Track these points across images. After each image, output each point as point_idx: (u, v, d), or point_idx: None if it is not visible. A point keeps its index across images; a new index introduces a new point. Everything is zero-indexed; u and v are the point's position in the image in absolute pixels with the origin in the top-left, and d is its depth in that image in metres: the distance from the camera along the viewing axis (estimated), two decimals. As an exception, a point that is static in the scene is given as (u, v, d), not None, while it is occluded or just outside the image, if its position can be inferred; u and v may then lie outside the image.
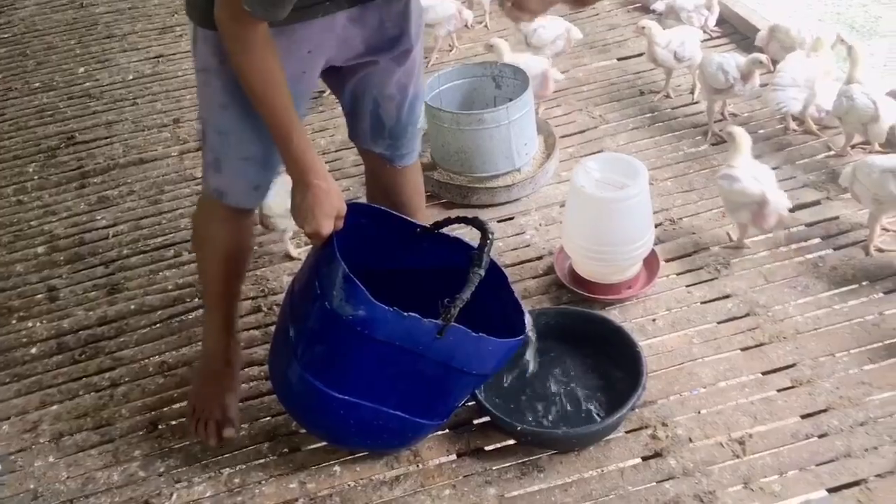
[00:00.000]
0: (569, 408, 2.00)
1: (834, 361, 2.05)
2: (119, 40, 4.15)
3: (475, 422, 2.02)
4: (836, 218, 2.47)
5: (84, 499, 1.98)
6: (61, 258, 2.77)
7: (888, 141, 2.63)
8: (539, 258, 2.50)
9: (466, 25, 3.56)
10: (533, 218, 2.67)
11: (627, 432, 1.95)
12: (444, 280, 1.77)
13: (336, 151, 3.02)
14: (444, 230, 1.94)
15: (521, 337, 1.82)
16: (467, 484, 1.89)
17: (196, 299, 2.48)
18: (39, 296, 2.62)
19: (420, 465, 1.94)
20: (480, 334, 1.71)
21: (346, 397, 1.75)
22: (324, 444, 2.00)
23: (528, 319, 1.86)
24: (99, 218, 2.93)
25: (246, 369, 2.23)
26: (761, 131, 2.88)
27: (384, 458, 1.96)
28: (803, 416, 1.93)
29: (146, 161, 3.21)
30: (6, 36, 4.33)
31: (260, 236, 2.71)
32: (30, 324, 2.51)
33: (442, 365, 1.74)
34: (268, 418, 2.10)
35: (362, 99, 1.91)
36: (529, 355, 2.03)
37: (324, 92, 3.27)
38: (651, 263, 2.35)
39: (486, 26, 3.80)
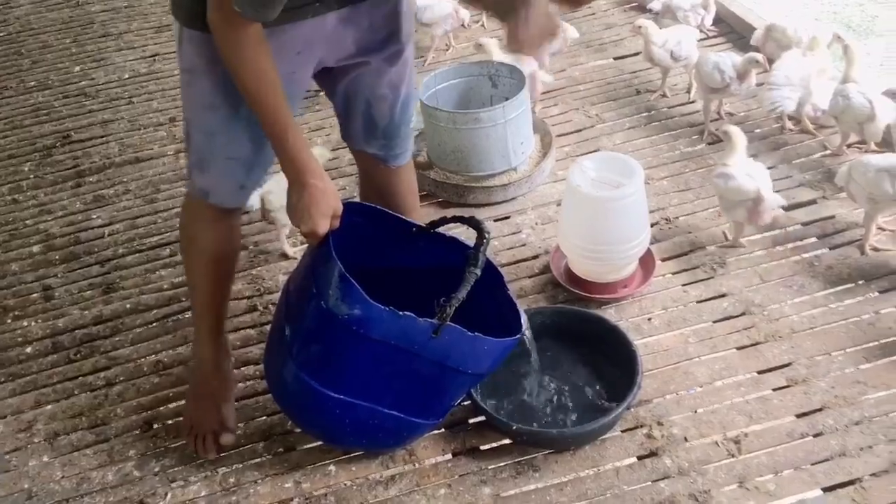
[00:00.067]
0: (564, 407, 2.00)
1: (829, 360, 2.05)
2: (115, 39, 4.14)
3: (471, 421, 2.02)
4: (832, 217, 2.48)
5: (79, 498, 1.97)
6: (57, 257, 2.76)
7: (884, 140, 2.63)
8: (535, 257, 2.50)
9: (463, 25, 3.57)
10: (529, 217, 2.67)
11: (623, 431, 1.95)
12: (440, 279, 1.77)
13: (332, 150, 3.01)
14: (441, 229, 1.94)
15: (516, 336, 1.82)
16: (463, 483, 1.89)
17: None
18: (34, 295, 2.61)
19: (415, 465, 1.94)
20: (476, 334, 1.71)
21: (342, 397, 1.75)
22: (319, 443, 1.99)
23: (524, 319, 1.86)
24: (94, 217, 2.93)
25: (241, 368, 2.23)
26: (758, 130, 2.88)
27: (379, 458, 1.96)
28: (798, 416, 1.93)
29: (142, 160, 3.20)
30: (1, 34, 4.32)
31: (256, 235, 2.72)
32: (25, 323, 2.51)
33: (437, 364, 1.74)
34: (263, 418, 2.10)
35: (354, 100, 1.91)
36: (532, 356, 2.02)
37: (320, 91, 3.25)
38: (647, 262, 2.36)
39: (482, 25, 3.80)
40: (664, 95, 3.14)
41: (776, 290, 2.26)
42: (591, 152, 2.81)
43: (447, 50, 3.63)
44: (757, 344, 2.12)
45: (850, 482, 1.78)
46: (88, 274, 2.67)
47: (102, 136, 3.38)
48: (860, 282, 2.26)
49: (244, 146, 1.77)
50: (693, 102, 3.08)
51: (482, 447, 1.97)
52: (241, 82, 1.58)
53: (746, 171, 2.33)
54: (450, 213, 2.08)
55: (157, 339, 2.39)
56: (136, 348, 2.37)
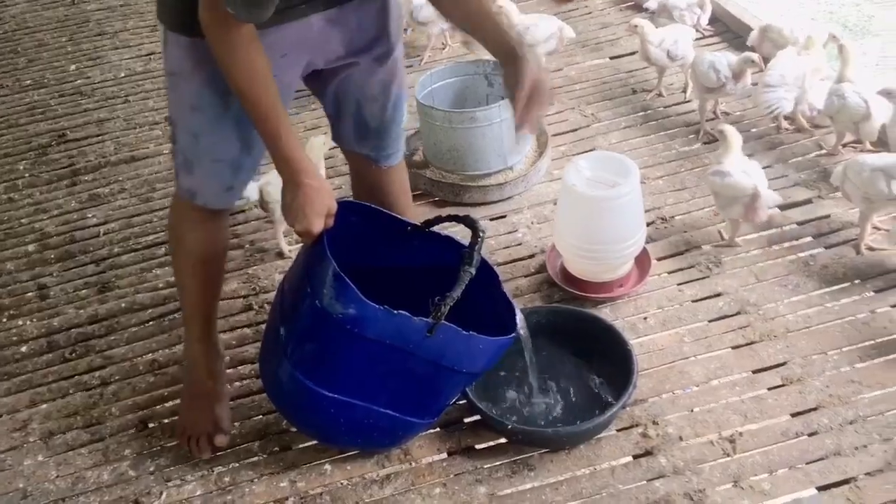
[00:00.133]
0: (560, 406, 2.00)
1: (824, 360, 2.05)
2: (111, 38, 4.13)
3: (466, 420, 2.02)
4: (828, 216, 2.48)
5: (74, 498, 1.97)
6: (52, 256, 2.76)
7: (879, 140, 2.64)
8: (531, 256, 2.50)
9: (459, 23, 3.56)
10: (525, 216, 2.67)
11: (618, 431, 1.95)
12: (435, 278, 1.76)
13: (328, 149, 3.00)
14: (436, 228, 1.94)
15: (511, 335, 1.82)
16: (458, 482, 1.89)
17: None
18: (30, 294, 2.61)
19: (411, 464, 1.94)
20: (471, 332, 1.71)
21: (337, 396, 1.75)
22: (314, 442, 1.99)
23: (519, 318, 1.86)
24: (90, 216, 2.92)
25: (237, 367, 2.22)
26: (753, 130, 2.88)
27: (375, 457, 1.95)
28: (793, 415, 1.94)
29: (137, 159, 3.20)
30: (-3, 33, 4.32)
31: (251, 234, 2.72)
32: (20, 322, 2.50)
33: (432, 363, 1.74)
34: (258, 417, 2.10)
35: (345, 101, 1.90)
36: (527, 354, 2.02)
37: (316, 90, 3.25)
38: (642, 262, 2.36)
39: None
40: (660, 95, 3.14)
41: (771, 290, 2.26)
42: (586, 151, 2.81)
43: (443, 49, 3.63)
44: (752, 343, 2.12)
45: (845, 481, 1.78)
46: (84, 273, 2.67)
47: (98, 135, 3.37)
48: (855, 281, 2.26)
49: (231, 148, 1.77)
50: (689, 102, 3.08)
51: (477, 446, 1.96)
52: (233, 82, 1.58)
53: (742, 168, 2.33)
54: (445, 212, 2.08)
55: (152, 338, 2.39)
56: (132, 347, 2.36)
